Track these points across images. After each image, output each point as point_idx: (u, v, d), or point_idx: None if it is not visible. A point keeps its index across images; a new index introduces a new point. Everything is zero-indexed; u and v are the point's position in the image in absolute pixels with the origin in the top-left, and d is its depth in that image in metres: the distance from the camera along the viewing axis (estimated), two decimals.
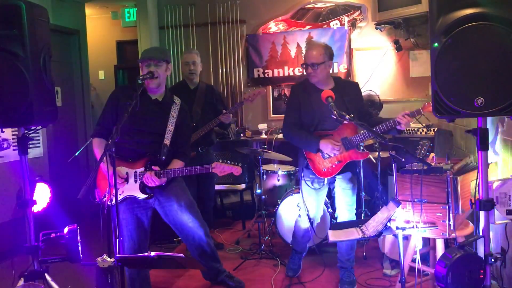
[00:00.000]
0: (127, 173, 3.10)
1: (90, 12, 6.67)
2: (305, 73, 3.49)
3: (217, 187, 4.98)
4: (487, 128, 2.35)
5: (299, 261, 3.85)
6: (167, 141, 3.12)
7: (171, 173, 3.06)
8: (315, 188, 3.49)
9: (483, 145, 2.34)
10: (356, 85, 3.60)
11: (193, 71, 4.21)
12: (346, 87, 3.43)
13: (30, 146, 2.93)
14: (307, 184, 3.51)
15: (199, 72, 4.30)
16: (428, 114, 4.79)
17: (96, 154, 3.17)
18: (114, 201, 3.06)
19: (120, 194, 3.09)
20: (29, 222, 2.84)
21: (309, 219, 3.61)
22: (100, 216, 2.65)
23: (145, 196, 3.10)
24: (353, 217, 3.56)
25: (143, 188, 3.09)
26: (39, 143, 5.03)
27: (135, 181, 3.09)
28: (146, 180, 3.05)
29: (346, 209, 3.53)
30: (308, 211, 3.59)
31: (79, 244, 2.86)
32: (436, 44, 2.26)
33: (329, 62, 3.36)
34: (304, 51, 3.50)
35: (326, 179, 3.48)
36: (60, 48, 5.67)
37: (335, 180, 3.52)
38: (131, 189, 3.10)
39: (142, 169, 3.09)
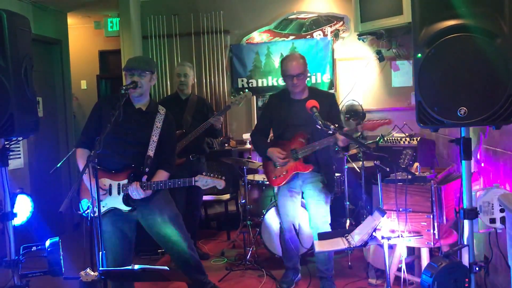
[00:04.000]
0: (110, 185, 3.05)
1: (72, 21, 6.61)
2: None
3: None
4: (470, 138, 2.38)
5: (292, 276, 3.79)
6: (150, 153, 3.08)
7: (155, 186, 3.03)
8: (283, 195, 3.64)
9: (466, 155, 2.37)
10: (331, 95, 3.63)
11: (183, 83, 4.39)
12: (320, 97, 3.42)
13: (11, 157, 2.88)
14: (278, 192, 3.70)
15: (191, 84, 4.48)
16: (411, 123, 4.86)
17: (79, 165, 3.12)
18: (97, 214, 3.04)
19: (103, 207, 3.04)
20: (9, 235, 2.78)
21: (281, 227, 3.76)
22: (82, 228, 2.61)
23: (128, 208, 3.06)
24: (327, 229, 3.54)
25: (126, 200, 3.05)
26: (19, 154, 4.95)
27: (118, 193, 3.05)
28: (131, 192, 3.01)
29: (319, 221, 3.53)
30: (281, 219, 3.75)
31: (61, 257, 2.81)
32: (419, 55, 2.30)
33: (307, 70, 3.54)
34: (281, 65, 3.56)
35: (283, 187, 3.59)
36: (41, 58, 5.60)
37: (306, 190, 3.56)
38: (114, 201, 3.05)
39: (125, 181, 3.04)
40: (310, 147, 3.36)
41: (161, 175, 3.13)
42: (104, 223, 3.05)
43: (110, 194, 3.05)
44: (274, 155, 3.48)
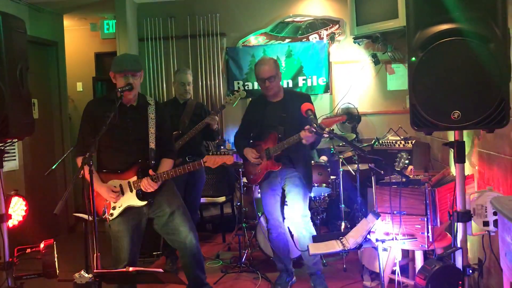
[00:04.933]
0: (120, 185, 3.07)
1: (68, 23, 6.60)
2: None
3: None
4: (464, 141, 2.39)
5: (287, 278, 3.80)
6: (152, 145, 3.12)
7: (165, 175, 3.06)
8: (265, 193, 3.69)
9: (460, 158, 2.38)
10: (306, 96, 3.67)
11: (188, 91, 4.43)
12: (295, 99, 3.51)
13: (6, 159, 2.87)
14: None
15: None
16: (406, 126, 4.88)
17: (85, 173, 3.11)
18: (106, 216, 3.06)
19: (119, 207, 3.08)
20: (3, 237, 2.77)
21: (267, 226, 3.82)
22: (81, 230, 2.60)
23: (145, 202, 3.09)
24: (308, 227, 3.59)
25: (140, 195, 3.08)
26: (14, 155, 4.93)
27: (131, 191, 3.08)
28: (144, 187, 3.03)
29: (296, 214, 3.56)
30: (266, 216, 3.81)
31: (55, 259, 2.81)
32: (413, 59, 2.31)
33: (279, 73, 3.60)
34: (254, 69, 3.66)
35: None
36: (37, 60, 5.59)
37: (285, 187, 3.62)
38: (129, 199, 3.08)
39: (135, 178, 3.07)
40: (279, 146, 3.45)
41: (167, 164, 3.18)
42: (117, 223, 3.10)
43: (123, 193, 3.08)
44: (249, 155, 3.60)
